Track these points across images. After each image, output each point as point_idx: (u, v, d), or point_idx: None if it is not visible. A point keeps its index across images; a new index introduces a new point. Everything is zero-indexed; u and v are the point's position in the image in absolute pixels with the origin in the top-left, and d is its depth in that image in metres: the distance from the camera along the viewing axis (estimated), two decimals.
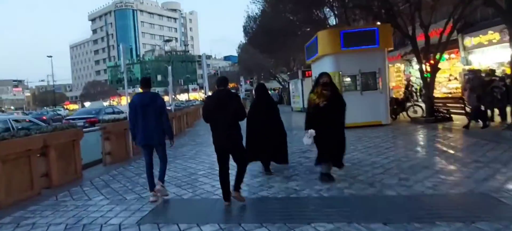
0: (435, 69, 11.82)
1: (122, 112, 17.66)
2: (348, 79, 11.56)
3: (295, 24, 19.41)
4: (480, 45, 15.20)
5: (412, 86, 12.94)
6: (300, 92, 21.43)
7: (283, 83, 36.72)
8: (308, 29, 19.58)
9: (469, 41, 15.84)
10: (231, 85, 63.02)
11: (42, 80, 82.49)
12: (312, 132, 4.82)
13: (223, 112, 4.09)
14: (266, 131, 5.60)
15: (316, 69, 13.38)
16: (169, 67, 18.63)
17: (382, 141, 8.67)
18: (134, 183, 6.03)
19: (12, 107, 72.23)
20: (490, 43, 14.51)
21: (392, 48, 12.11)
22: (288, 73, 28.01)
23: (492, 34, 14.23)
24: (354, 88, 11.55)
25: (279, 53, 25.09)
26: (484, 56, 15.05)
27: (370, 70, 11.48)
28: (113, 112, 16.41)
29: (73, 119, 14.71)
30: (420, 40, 12.42)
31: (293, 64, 29.06)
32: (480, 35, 15.00)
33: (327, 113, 4.81)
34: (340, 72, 11.39)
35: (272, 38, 20.34)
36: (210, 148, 9.37)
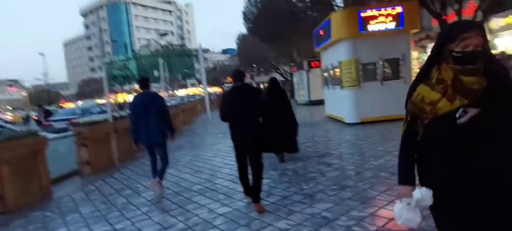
0: None
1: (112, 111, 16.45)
2: (368, 67, 10.25)
3: (299, 8, 17.98)
4: (509, 27, 13.83)
5: None
6: (305, 84, 20.14)
7: (285, 75, 35.35)
8: (315, 14, 18.21)
9: (495, 23, 14.48)
10: (229, 80, 62.24)
11: (39, 79, 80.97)
12: (419, 194, 1.58)
13: (246, 108, 3.89)
14: (278, 122, 5.73)
15: (328, 58, 12.10)
16: (161, 61, 17.30)
17: None
18: (109, 206, 4.82)
19: (9, 107, 70.98)
20: None
21: (418, 30, 10.79)
22: (291, 64, 26.59)
23: None
24: (373, 78, 10.25)
25: (281, 42, 23.67)
26: None
27: (393, 56, 10.17)
28: (102, 112, 15.19)
29: (55, 121, 13.47)
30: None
31: (297, 55, 27.69)
32: (510, 16, 13.63)
33: (476, 137, 1.47)
34: (357, 60, 10.08)
35: (275, 24, 18.88)
36: (209, 151, 8.41)
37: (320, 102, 19.40)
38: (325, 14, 17.48)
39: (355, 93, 10.18)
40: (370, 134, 8.33)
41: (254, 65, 44.67)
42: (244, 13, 20.35)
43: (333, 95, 11.72)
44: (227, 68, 67.74)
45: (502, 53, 9.27)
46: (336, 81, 11.22)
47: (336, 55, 10.77)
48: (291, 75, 31.04)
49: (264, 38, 23.37)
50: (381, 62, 10.17)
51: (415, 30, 10.60)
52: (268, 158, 6.01)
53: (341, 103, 10.81)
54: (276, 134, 5.45)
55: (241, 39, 35.40)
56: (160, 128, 4.82)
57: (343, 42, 10.27)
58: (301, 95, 21.44)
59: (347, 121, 10.40)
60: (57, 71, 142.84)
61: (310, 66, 19.61)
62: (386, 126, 9.25)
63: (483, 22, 12.49)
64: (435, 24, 13.29)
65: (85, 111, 14.91)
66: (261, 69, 48.29)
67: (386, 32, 10.00)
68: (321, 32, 11.94)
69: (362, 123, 10.07)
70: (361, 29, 10.01)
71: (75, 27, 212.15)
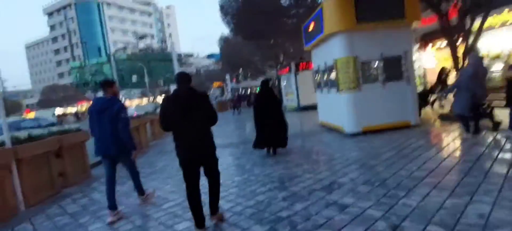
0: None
1: (54, 124, 14.92)
2: (368, 66, 9.14)
3: (283, 5, 16.88)
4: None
5: (447, 74, 10.64)
6: (293, 88, 19.01)
7: (272, 79, 34.38)
8: (300, 10, 17.16)
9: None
10: (217, 84, 60.95)
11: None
12: None
13: (191, 116, 3.59)
14: (270, 121, 7.36)
15: (320, 56, 10.96)
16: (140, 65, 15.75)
17: (430, 154, 6.20)
18: None
19: None
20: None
21: (419, 21, 9.71)
22: (278, 66, 25.48)
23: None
24: (374, 79, 9.15)
25: (265, 41, 22.50)
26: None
27: (394, 53, 9.10)
28: (37, 127, 13.69)
29: None
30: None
31: (283, 57, 26.63)
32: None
33: None
34: (356, 58, 8.96)
35: (257, 20, 17.66)
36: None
37: (311, 108, 18.33)
38: (312, 10, 16.61)
39: (354, 98, 9.03)
40: (379, 148, 7.09)
41: (241, 70, 43.54)
42: (221, 6, 18.86)
43: (328, 100, 10.56)
44: (212, 73, 66.55)
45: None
46: (331, 84, 10.08)
47: (331, 53, 9.63)
48: (278, 79, 30.00)
49: (247, 36, 22.09)
50: (382, 60, 9.07)
51: (417, 22, 9.48)
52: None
53: (338, 110, 9.66)
54: (267, 131, 7.42)
55: (225, 42, 34.18)
56: (116, 136, 4.48)
57: (338, 36, 9.13)
58: (289, 100, 20.30)
59: (347, 130, 9.24)
60: (19, 78, 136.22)
61: (298, 69, 18.52)
62: (392, 136, 8.13)
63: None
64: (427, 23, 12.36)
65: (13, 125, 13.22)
66: (248, 74, 47.22)
67: (386, 25, 8.93)
68: (312, 26, 10.80)
69: (364, 133, 8.93)
70: (359, 20, 8.89)
71: (39, 27, 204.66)
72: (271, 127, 7.40)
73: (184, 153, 3.64)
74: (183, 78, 3.75)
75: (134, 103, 57.37)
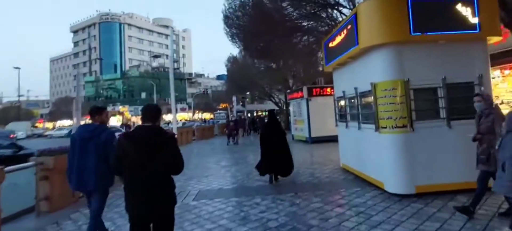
0: None
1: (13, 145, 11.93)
2: (424, 95, 5.76)
3: (293, 19, 13.71)
4: None
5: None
6: (305, 116, 15.62)
7: (280, 104, 30.97)
8: (314, 24, 13.98)
9: None
10: (222, 106, 57.92)
11: (20, 97, 74.61)
12: None
13: (150, 165, 2.74)
14: (276, 150, 7.31)
15: (347, 78, 7.60)
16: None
17: None
18: None
19: None
20: None
21: (499, 39, 6.42)
22: (288, 91, 22.15)
23: None
24: (433, 115, 5.77)
25: (274, 59, 19.31)
26: None
27: (463, 78, 5.75)
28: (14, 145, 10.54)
29: None
30: None
31: (293, 81, 23.44)
32: None
33: None
34: (408, 82, 5.61)
35: (265, 35, 14.46)
36: None
37: (323, 140, 14.96)
38: (327, 25, 13.47)
39: (404, 141, 5.62)
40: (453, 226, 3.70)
41: (248, 93, 40.45)
42: (226, 17, 15.86)
43: (357, 140, 7.13)
44: (220, 94, 63.71)
45: None
46: (364, 117, 6.74)
47: (367, 74, 6.32)
48: (286, 103, 26.66)
49: (253, 52, 18.99)
50: (445, 87, 5.70)
51: (495, 38, 6.20)
52: None
53: (375, 156, 6.24)
54: (272, 159, 7.30)
55: (232, 62, 31.01)
56: (99, 169, 3.84)
57: (382, 51, 5.82)
58: (298, 130, 16.83)
59: (390, 189, 5.80)
60: (39, 90, 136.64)
61: (311, 94, 15.20)
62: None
63: None
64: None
65: None
66: (256, 97, 44.05)
67: (452, 38, 5.64)
68: (338, 39, 7.51)
69: (418, 195, 5.50)
70: (414, 31, 5.63)
71: (65, 44, 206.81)
72: (275, 155, 7.29)
73: (134, 208, 2.81)
74: (148, 114, 2.90)
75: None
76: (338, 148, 8.70)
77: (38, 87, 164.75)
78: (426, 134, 5.62)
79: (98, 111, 4.09)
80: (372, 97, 6.00)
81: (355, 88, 6.86)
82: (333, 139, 14.90)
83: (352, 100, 7.34)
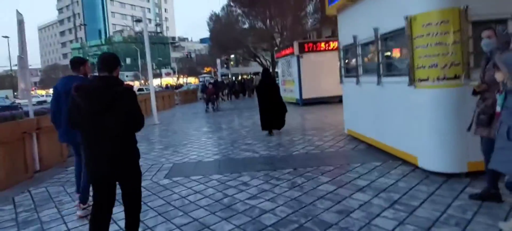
0: None
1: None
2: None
3: None
4: None
5: None
6: (295, 75, 13.60)
7: (266, 65, 28.64)
8: None
9: None
10: (207, 69, 55.08)
11: (15, 66, 69.37)
12: None
13: (106, 119, 2.30)
14: (272, 105, 7.29)
15: (362, 20, 5.51)
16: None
17: None
18: None
19: None
20: None
21: None
22: (276, 49, 19.92)
23: None
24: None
25: (262, 8, 16.84)
26: None
27: None
28: None
29: None
30: None
31: (280, 39, 21.04)
32: None
33: None
34: (465, 11, 3.62)
35: None
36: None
37: (316, 102, 13.15)
38: None
39: (455, 99, 3.73)
40: None
41: (232, 55, 37.79)
42: None
43: (376, 99, 5.13)
44: (204, 57, 60.46)
45: None
46: (388, 68, 4.81)
47: (395, 7, 4.28)
48: (273, 64, 24.51)
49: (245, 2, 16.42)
50: None
51: None
52: None
53: (403, 121, 4.32)
54: (268, 115, 7.33)
55: (215, 21, 27.91)
56: None
57: None
58: (288, 91, 14.76)
59: (428, 166, 3.94)
60: (34, 58, 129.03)
61: (302, 50, 13.11)
62: None
63: None
64: None
65: None
66: (240, 59, 41.45)
67: None
68: None
69: (470, 174, 3.73)
70: None
71: (51, 12, 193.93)
72: (272, 111, 7.35)
73: (94, 167, 2.40)
74: (104, 62, 2.42)
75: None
76: (335, 110, 6.95)
77: (30, 56, 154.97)
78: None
79: (81, 62, 3.78)
80: (406, 37, 4.03)
81: (375, 30, 4.82)
82: (327, 101, 13.19)
83: (369, 47, 5.35)
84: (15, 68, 61.48)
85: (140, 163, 2.60)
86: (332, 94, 13.33)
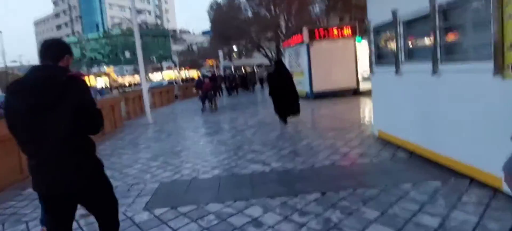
0: None
1: None
2: None
3: None
4: None
5: None
6: (305, 65, 12.26)
7: (270, 55, 27.23)
8: None
9: None
10: (209, 62, 53.65)
11: (14, 62, 67.64)
12: None
13: (49, 116, 1.79)
14: (285, 93, 7.43)
15: None
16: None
17: None
18: None
19: None
20: None
21: None
22: (282, 38, 18.52)
23: None
24: None
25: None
26: None
27: None
28: None
29: None
30: None
31: (286, 24, 19.53)
32: None
33: None
34: None
35: None
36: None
37: (328, 95, 11.85)
38: None
39: None
40: None
41: (234, 48, 36.36)
42: None
43: (428, 95, 3.77)
44: (206, 50, 59.02)
45: None
46: (450, 51, 3.50)
47: None
48: (278, 54, 23.11)
49: None
50: None
51: None
52: None
53: (476, 126, 3.04)
54: (283, 103, 7.49)
55: (216, 10, 26.35)
56: None
57: None
58: (297, 84, 13.16)
59: None
60: (30, 54, 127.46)
61: (312, 37, 11.75)
62: None
63: None
64: None
65: None
66: (243, 51, 39.90)
67: None
68: None
69: None
70: None
71: (47, 6, 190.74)
72: (286, 99, 7.50)
73: (39, 184, 1.88)
74: (48, 49, 2.00)
75: (126, 80, 50.41)
76: (351, 105, 5.71)
77: (29, 52, 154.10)
78: None
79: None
80: (491, 3, 2.73)
81: (434, 2, 3.50)
82: (340, 93, 11.88)
83: (416, 24, 4.03)
84: (11, 64, 60.51)
85: (116, 183, 1.64)
86: (345, 86, 12.07)
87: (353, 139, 5.55)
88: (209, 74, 17.12)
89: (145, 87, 10.91)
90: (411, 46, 4.21)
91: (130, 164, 5.39)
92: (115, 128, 9.88)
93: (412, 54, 4.20)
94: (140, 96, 12.55)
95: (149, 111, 10.56)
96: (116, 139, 8.08)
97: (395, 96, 4.58)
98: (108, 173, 2.22)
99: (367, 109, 8.83)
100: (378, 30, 4.97)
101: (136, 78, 50.79)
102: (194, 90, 15.12)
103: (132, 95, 12.91)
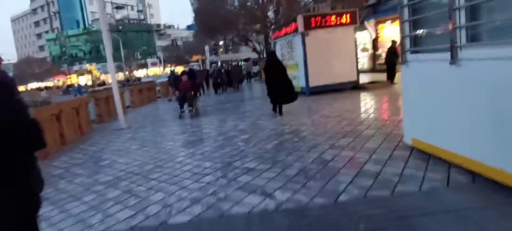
0: None
1: None
2: None
3: None
4: None
5: None
6: (300, 57, 10.88)
7: (259, 49, 25.75)
8: None
9: None
10: (195, 57, 51.69)
11: None
12: None
13: None
14: (279, 84, 7.45)
15: None
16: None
17: None
18: None
19: None
20: None
21: None
22: (272, 27, 17.05)
23: None
24: None
25: None
26: None
27: None
28: None
29: None
30: None
31: (275, 15, 18.12)
32: None
33: None
34: None
35: None
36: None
37: (325, 90, 10.56)
38: None
39: None
40: None
41: (221, 42, 34.69)
42: None
43: (510, 92, 2.58)
44: (191, 45, 56.93)
45: None
46: None
47: None
48: (267, 47, 21.69)
49: None
50: None
51: None
52: None
53: None
54: (277, 93, 7.59)
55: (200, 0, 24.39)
56: None
57: None
58: (291, 76, 11.96)
59: None
60: (10, 53, 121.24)
61: (308, 26, 10.38)
62: None
63: None
64: None
65: None
66: (230, 45, 38.22)
67: None
68: None
69: None
70: None
71: (23, 1, 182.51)
72: (280, 90, 7.53)
73: None
74: None
75: (109, 78, 48.03)
76: (354, 101, 4.59)
77: (6, 50, 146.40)
78: None
79: None
80: None
81: None
82: (338, 88, 10.54)
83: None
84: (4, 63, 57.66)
85: None
86: (344, 80, 10.81)
87: (377, 149, 4.24)
88: (186, 69, 14.39)
89: (115, 87, 9.35)
90: (477, 22, 2.88)
91: (80, 193, 3.93)
92: (82, 135, 8.34)
93: (479, 35, 2.88)
94: (107, 98, 10.99)
95: (121, 114, 9.01)
96: (76, 151, 6.55)
97: (447, 94, 3.26)
98: (45, 209, 0.95)
99: (375, 107, 7.57)
100: (414, 7, 3.61)
101: (121, 75, 48.41)
102: (170, 89, 13.05)
103: (104, 95, 11.27)
